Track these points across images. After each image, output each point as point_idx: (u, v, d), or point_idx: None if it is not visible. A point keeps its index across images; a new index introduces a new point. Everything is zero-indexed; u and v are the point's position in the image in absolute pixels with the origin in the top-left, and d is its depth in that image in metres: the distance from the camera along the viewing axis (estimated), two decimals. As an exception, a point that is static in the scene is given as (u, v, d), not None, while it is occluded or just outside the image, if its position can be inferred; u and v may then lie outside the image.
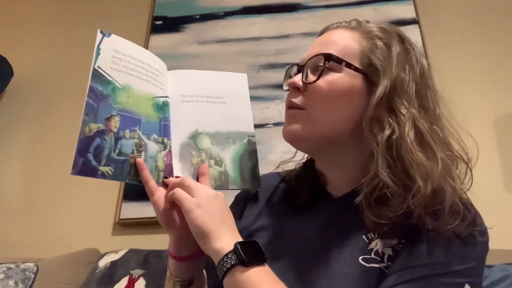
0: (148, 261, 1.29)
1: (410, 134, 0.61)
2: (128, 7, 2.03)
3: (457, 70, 1.63)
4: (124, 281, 1.24)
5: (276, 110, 1.66)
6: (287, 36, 1.81)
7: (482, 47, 1.69)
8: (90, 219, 1.61)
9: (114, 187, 1.62)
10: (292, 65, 0.74)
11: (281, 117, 1.64)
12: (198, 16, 1.92)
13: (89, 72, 0.63)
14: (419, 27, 1.72)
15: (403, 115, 0.62)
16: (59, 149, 1.76)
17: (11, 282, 1.23)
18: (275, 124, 1.64)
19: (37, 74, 1.95)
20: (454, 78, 1.61)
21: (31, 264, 1.34)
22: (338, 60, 0.66)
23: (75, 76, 1.90)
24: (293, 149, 0.74)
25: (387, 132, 0.62)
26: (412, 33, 1.69)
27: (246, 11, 1.90)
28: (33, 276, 1.31)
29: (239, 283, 0.55)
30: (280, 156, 1.52)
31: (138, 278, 1.24)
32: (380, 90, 0.63)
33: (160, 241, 1.43)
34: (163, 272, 1.25)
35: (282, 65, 1.75)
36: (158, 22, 1.92)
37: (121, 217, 1.56)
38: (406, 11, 1.77)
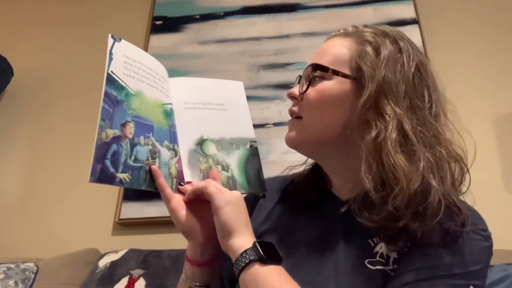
0: (148, 261, 1.29)
1: (392, 135, 0.60)
2: (128, 7, 2.03)
3: (457, 70, 1.63)
4: (124, 281, 1.24)
5: (276, 110, 1.66)
6: (287, 36, 1.81)
7: (482, 47, 1.69)
8: (90, 219, 1.61)
9: (114, 187, 1.62)
10: (298, 76, 0.77)
11: (281, 117, 1.64)
12: (198, 16, 1.92)
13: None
14: (419, 27, 1.72)
15: (389, 116, 0.62)
16: (59, 149, 1.77)
17: (11, 282, 1.23)
18: (275, 124, 1.63)
19: (37, 74, 1.95)
20: (454, 78, 1.61)
21: (31, 264, 1.34)
22: (324, 69, 0.68)
23: (75, 76, 1.91)
24: (293, 150, 0.75)
25: (373, 134, 0.62)
26: (412, 33, 1.69)
27: (246, 11, 1.90)
28: (33, 276, 1.31)
29: (255, 278, 0.57)
30: (280, 156, 1.54)
31: (138, 278, 1.24)
32: (365, 92, 0.64)
33: (160, 241, 1.44)
34: (163, 272, 1.25)
35: (282, 65, 1.75)
36: (158, 22, 1.92)
37: (121, 217, 1.56)
38: (406, 11, 1.77)
